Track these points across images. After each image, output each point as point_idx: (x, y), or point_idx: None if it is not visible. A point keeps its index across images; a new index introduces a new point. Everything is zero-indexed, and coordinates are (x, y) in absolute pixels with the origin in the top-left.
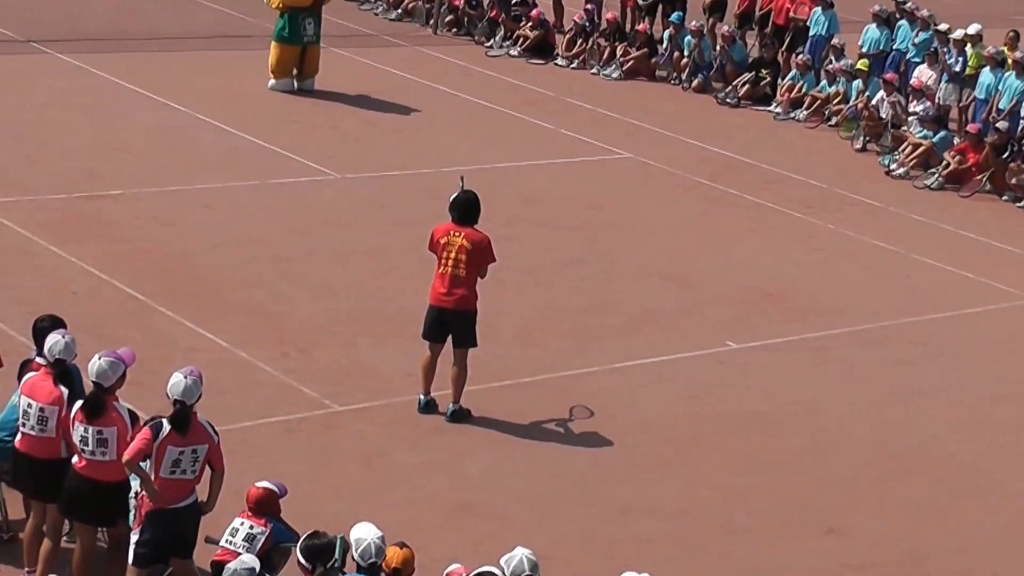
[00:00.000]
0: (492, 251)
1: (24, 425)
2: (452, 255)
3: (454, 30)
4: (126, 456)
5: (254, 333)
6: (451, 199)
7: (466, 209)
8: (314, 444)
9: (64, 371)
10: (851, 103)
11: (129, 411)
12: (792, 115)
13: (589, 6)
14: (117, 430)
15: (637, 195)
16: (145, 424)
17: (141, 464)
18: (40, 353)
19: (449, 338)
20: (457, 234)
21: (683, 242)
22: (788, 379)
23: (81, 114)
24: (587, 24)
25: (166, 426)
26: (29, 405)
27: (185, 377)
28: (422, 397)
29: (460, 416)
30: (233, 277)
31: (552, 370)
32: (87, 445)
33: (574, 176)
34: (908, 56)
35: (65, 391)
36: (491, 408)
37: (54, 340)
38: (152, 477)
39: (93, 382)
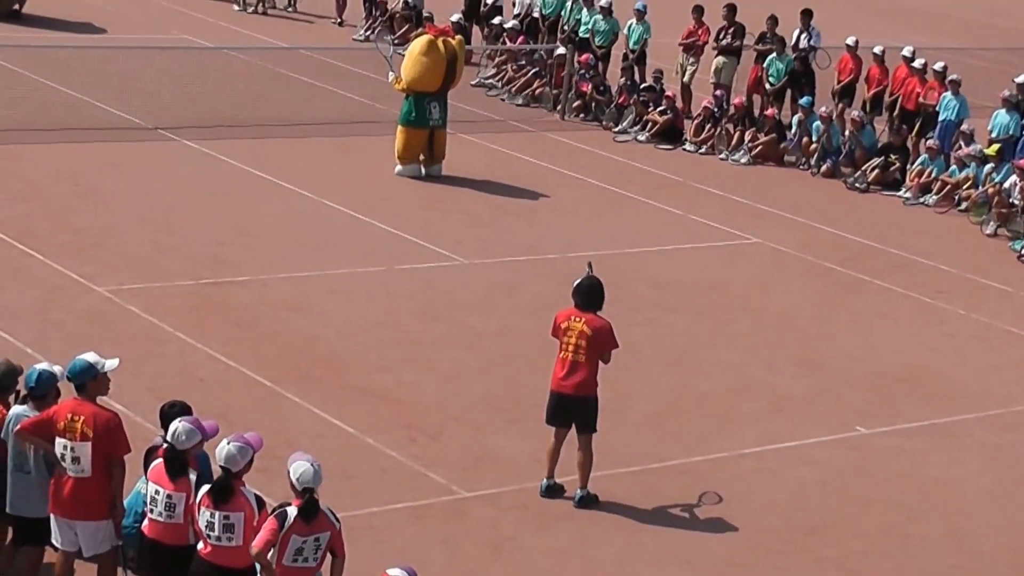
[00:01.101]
0: (614, 337)
1: (152, 511)
2: (572, 340)
3: (582, 115)
4: (255, 548)
5: (381, 419)
6: (575, 284)
7: (589, 295)
8: (442, 530)
9: (174, 456)
10: (981, 188)
11: (256, 496)
12: (922, 200)
13: (718, 92)
14: (244, 515)
15: (766, 280)
16: (272, 511)
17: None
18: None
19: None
20: (578, 319)
21: (813, 327)
22: (921, 464)
23: (208, 200)
24: (716, 109)
25: (291, 515)
26: (157, 491)
27: (312, 464)
28: (545, 481)
29: (588, 502)
30: (360, 362)
31: (682, 455)
32: (213, 530)
33: (703, 261)
34: None
35: (192, 477)
36: (621, 493)
37: (172, 426)
38: (273, 565)
39: (221, 467)
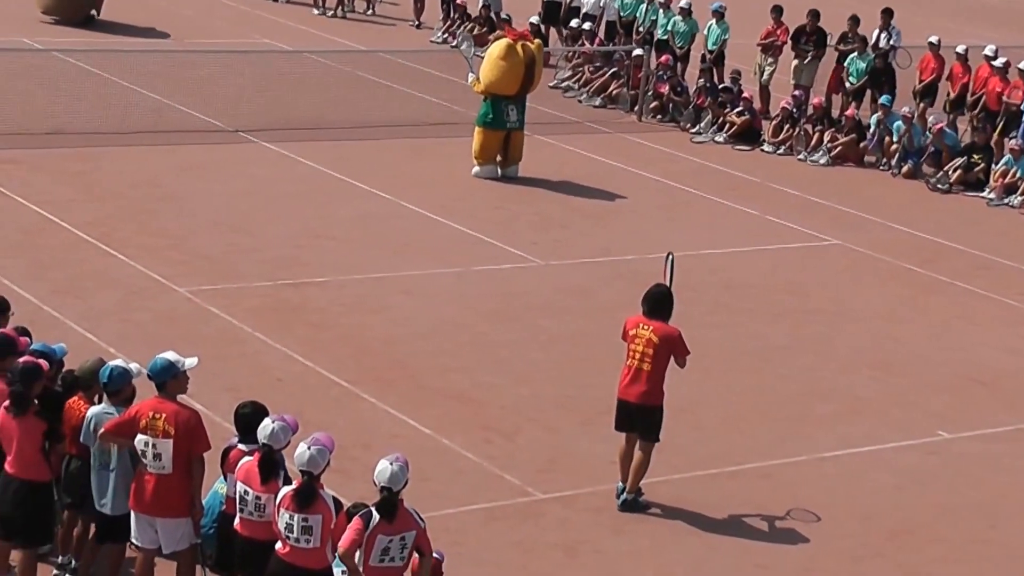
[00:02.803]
0: (684, 343)
1: (242, 511)
2: (639, 348)
3: (659, 116)
4: (341, 548)
5: (457, 420)
6: (646, 292)
7: (657, 303)
8: (517, 532)
9: (271, 457)
10: None
11: (334, 499)
12: (1006, 201)
13: (797, 92)
14: (323, 518)
15: (844, 282)
16: (348, 511)
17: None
18: (242, 440)
19: None
20: (646, 327)
21: (892, 329)
22: (1004, 469)
23: (286, 202)
24: (794, 110)
25: (375, 515)
26: (246, 492)
27: (391, 464)
28: (620, 484)
29: (633, 506)
30: (436, 364)
31: (759, 459)
32: (292, 532)
33: (780, 263)
34: None
35: (280, 478)
36: (696, 497)
37: (263, 424)
38: (361, 567)
39: (303, 471)
